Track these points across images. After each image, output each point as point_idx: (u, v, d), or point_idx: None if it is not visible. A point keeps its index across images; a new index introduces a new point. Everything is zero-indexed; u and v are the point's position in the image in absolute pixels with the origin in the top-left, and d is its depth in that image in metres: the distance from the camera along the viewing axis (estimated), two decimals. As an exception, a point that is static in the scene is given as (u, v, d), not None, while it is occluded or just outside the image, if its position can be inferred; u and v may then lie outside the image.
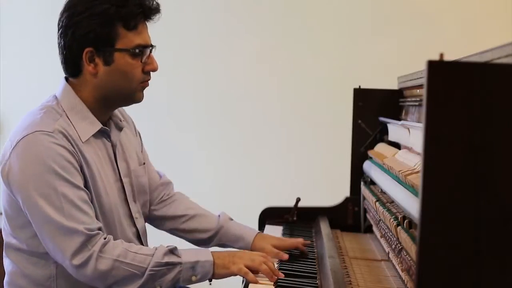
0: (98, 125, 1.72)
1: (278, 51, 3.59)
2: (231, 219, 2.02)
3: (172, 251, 1.64)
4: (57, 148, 1.60)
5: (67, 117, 1.68)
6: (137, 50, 1.68)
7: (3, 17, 3.81)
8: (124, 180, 1.79)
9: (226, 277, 1.69)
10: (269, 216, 2.37)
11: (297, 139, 3.59)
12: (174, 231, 2.01)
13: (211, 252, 1.70)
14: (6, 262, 1.74)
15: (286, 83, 3.59)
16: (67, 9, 1.68)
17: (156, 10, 1.73)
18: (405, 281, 1.55)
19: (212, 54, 3.60)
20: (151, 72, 1.74)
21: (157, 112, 3.58)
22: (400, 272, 1.61)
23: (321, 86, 3.56)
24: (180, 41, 3.62)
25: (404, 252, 1.54)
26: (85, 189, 1.64)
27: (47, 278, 1.68)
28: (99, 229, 1.62)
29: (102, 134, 1.75)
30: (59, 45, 1.70)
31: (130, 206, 1.80)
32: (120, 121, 1.83)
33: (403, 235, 1.55)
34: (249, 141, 3.62)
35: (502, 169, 0.97)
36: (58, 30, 1.69)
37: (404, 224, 1.59)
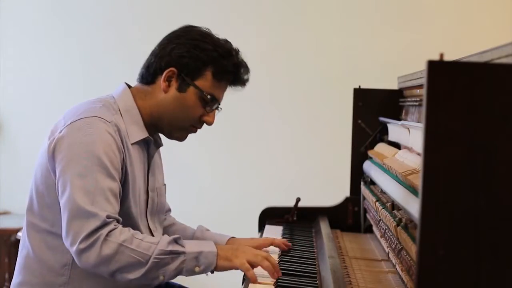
0: (146, 133, 1.79)
1: (278, 51, 3.59)
2: (208, 230, 2.02)
3: (176, 240, 1.65)
4: (109, 137, 1.65)
5: (121, 116, 1.74)
6: (208, 97, 1.78)
7: (3, 17, 3.81)
8: (150, 193, 1.83)
9: (228, 270, 1.68)
10: (269, 216, 2.37)
11: (297, 139, 3.60)
12: None
13: (216, 244, 1.70)
14: (23, 245, 1.75)
15: (286, 83, 3.59)
16: (181, 31, 1.81)
17: (243, 83, 1.85)
18: (405, 281, 1.55)
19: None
20: (204, 125, 1.83)
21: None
22: (400, 272, 1.61)
23: (321, 86, 3.56)
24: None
25: (404, 252, 1.55)
26: (119, 184, 1.67)
27: (62, 266, 1.69)
28: (118, 221, 1.63)
29: (145, 144, 1.81)
30: (153, 53, 1.80)
31: (149, 220, 1.83)
32: (159, 139, 1.90)
33: (403, 235, 1.55)
34: (249, 141, 3.62)
35: (502, 169, 0.97)
36: (162, 41, 1.80)
37: (404, 224, 1.59)
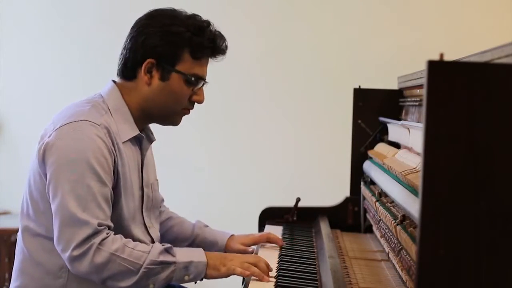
0: (137, 131, 1.77)
1: (277, 52, 3.59)
2: (206, 226, 2.04)
3: (168, 250, 1.66)
4: (99, 141, 1.64)
5: (111, 115, 1.72)
6: (193, 78, 1.75)
7: (3, 17, 3.81)
8: (145, 189, 1.82)
9: (216, 279, 1.71)
10: (269, 216, 2.37)
11: (297, 139, 3.59)
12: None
13: (205, 252, 1.71)
14: (19, 249, 1.75)
15: (286, 83, 3.59)
16: (146, 18, 1.77)
17: (223, 52, 1.80)
18: (405, 281, 1.55)
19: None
20: (195, 104, 1.81)
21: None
22: (400, 272, 1.61)
23: (321, 86, 3.56)
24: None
25: (404, 252, 1.54)
26: (110, 188, 1.66)
27: (59, 268, 1.68)
28: (109, 228, 1.63)
29: (136, 141, 1.79)
30: (125, 47, 1.77)
31: (144, 216, 1.82)
32: (151, 134, 1.88)
33: (403, 235, 1.55)
34: (249, 141, 3.62)
35: (502, 169, 0.97)
36: (131, 33, 1.76)
37: (404, 224, 1.59)
